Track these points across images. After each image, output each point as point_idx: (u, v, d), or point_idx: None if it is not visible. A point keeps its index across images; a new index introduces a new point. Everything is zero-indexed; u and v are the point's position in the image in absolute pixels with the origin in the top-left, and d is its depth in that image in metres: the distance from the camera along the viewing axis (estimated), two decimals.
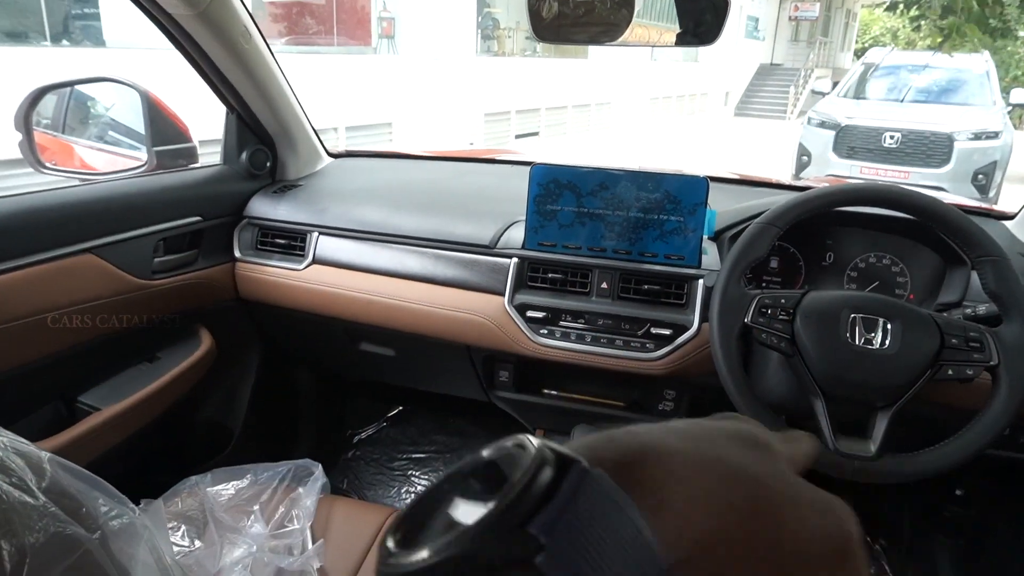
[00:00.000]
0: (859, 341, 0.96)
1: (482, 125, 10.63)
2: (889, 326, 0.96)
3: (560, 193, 1.24)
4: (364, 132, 8.68)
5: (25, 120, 1.35)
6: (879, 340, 0.96)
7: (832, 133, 6.56)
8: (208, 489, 1.12)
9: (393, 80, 9.04)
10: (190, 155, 1.48)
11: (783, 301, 1.00)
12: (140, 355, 1.32)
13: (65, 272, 1.12)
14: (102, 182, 1.29)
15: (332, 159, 1.74)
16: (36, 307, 1.08)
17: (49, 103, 1.72)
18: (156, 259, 1.31)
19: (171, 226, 1.33)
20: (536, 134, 11.91)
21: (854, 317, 0.97)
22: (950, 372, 0.93)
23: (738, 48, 17.62)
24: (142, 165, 1.39)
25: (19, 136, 1.34)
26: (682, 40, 1.16)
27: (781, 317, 0.99)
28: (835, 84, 7.71)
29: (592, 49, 13.04)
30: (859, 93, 7.29)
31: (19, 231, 1.07)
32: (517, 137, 11.43)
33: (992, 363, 0.92)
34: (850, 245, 1.24)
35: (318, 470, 1.20)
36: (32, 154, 1.34)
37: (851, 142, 6.46)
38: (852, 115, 6.61)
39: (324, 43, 9.15)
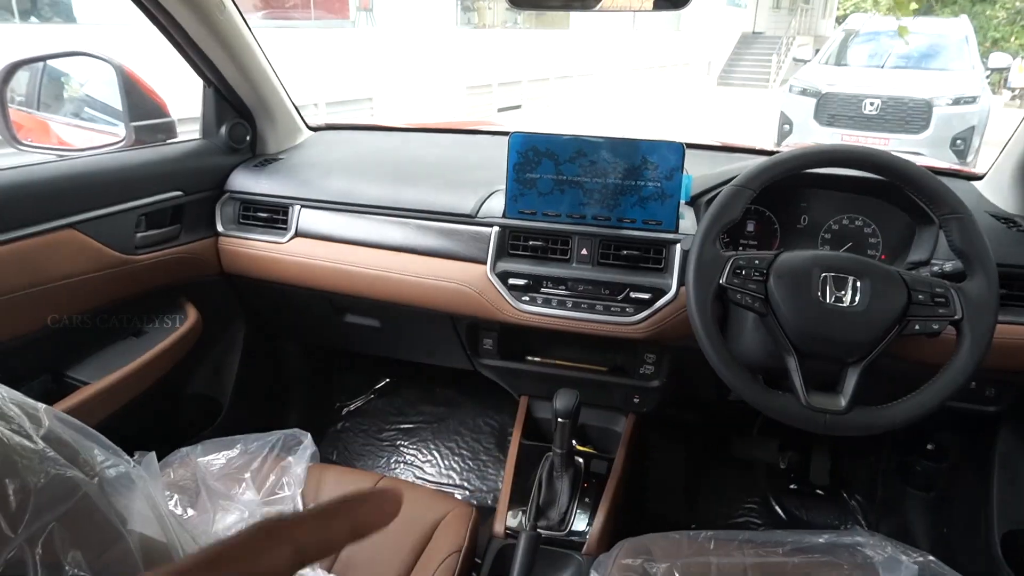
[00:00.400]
0: (830, 299, 0.99)
1: (464, 98, 10.55)
2: (858, 284, 0.99)
3: (539, 161, 1.26)
4: (345, 107, 8.59)
5: None
6: (849, 298, 0.99)
7: (813, 101, 6.56)
8: (199, 459, 1.14)
9: (373, 53, 8.93)
10: (168, 130, 1.48)
11: (757, 262, 1.02)
12: (127, 329, 1.33)
13: (48, 247, 1.13)
14: (81, 157, 1.29)
15: (312, 132, 1.73)
16: (21, 282, 1.09)
17: (22, 79, 1.70)
18: (138, 234, 1.31)
19: (152, 201, 1.33)
20: (519, 107, 11.83)
21: (825, 276, 1.00)
22: (917, 327, 0.96)
23: (719, 16, 17.49)
24: (121, 140, 1.39)
25: None
26: (657, 5, 1.17)
27: (755, 277, 1.01)
28: (817, 51, 7.70)
29: (573, 19, 12.93)
30: (840, 60, 7.28)
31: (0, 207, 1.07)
32: (500, 110, 11.35)
33: (956, 317, 0.96)
34: (824, 207, 1.27)
35: (307, 439, 1.22)
36: (8, 130, 1.34)
37: (832, 109, 6.47)
38: (833, 82, 6.61)
39: (301, 17, 9.00)
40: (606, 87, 13.97)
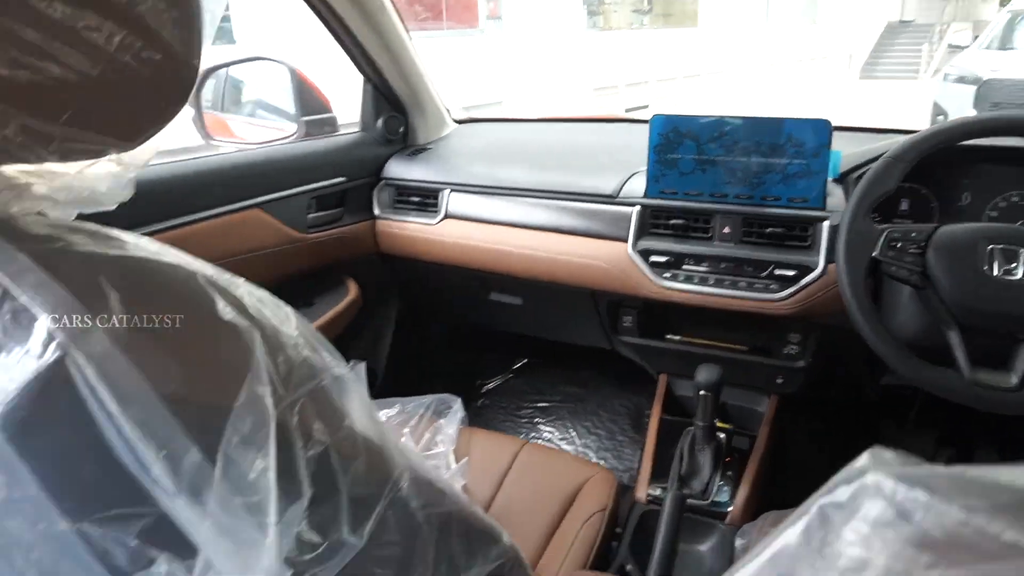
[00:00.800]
0: (998, 272, 0.94)
1: (592, 99, 10.59)
2: None
3: (680, 142, 1.27)
4: (476, 111, 8.85)
5: (196, 98, 1.53)
6: (1022, 271, 0.93)
7: (972, 88, 6.05)
8: None
9: (502, 59, 9.16)
10: (332, 124, 1.63)
11: (913, 234, 0.99)
12: (299, 301, 1.47)
13: (239, 224, 1.28)
14: (263, 147, 1.45)
15: (457, 124, 1.84)
16: (216, 254, 1.24)
17: (208, 85, 1.92)
18: (310, 215, 1.46)
19: (321, 186, 1.47)
20: (646, 107, 11.72)
21: (992, 248, 0.95)
22: None
23: (862, 5, 16.47)
24: (294, 133, 1.55)
25: (191, 113, 1.53)
26: None
27: (912, 250, 0.98)
28: (976, 37, 7.10)
29: (702, 16, 12.64)
30: (1005, 44, 6.67)
31: (202, 188, 1.24)
32: (627, 111, 11.29)
33: None
34: (989, 183, 1.20)
35: (457, 403, 1.30)
36: (203, 128, 1.53)
37: (996, 97, 5.93)
38: (996, 68, 6.07)
39: (434, 27, 9.39)
40: (737, 84, 13.52)
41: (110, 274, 0.37)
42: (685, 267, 1.27)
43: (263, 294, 0.45)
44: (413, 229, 1.55)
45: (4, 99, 0.34)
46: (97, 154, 0.39)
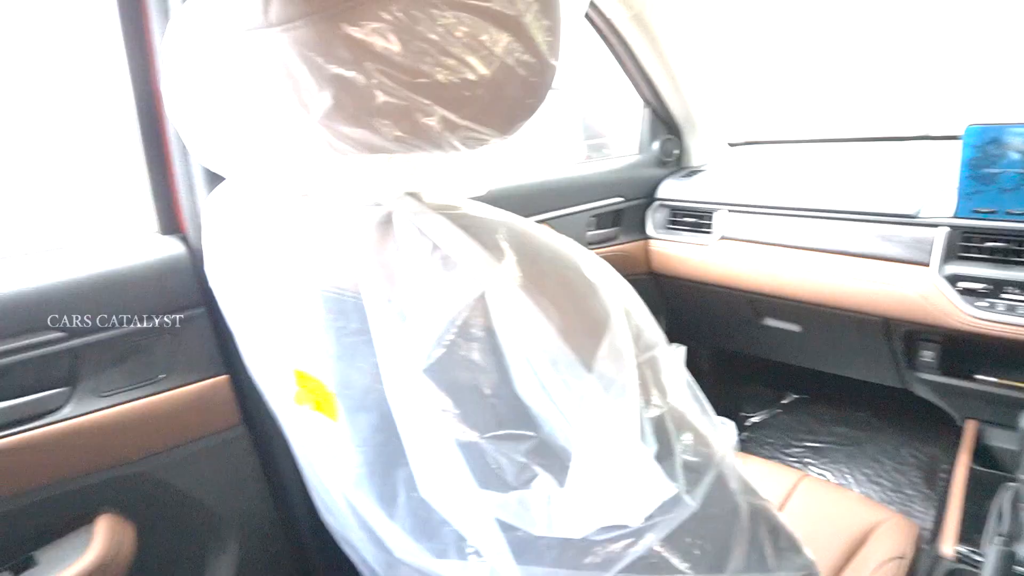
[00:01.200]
0: None
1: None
2: None
3: (1001, 154, 1.14)
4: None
5: None
6: None
7: None
8: None
9: None
10: (608, 147, 1.72)
11: None
12: None
13: None
14: (552, 168, 1.57)
15: (730, 147, 1.82)
16: None
17: None
18: (588, 232, 1.54)
19: (600, 205, 1.55)
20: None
21: None
22: None
23: None
24: (578, 157, 1.66)
25: None
26: None
27: None
28: None
29: None
30: None
31: (504, 204, 1.37)
32: None
33: None
34: None
35: (731, 427, 1.28)
36: None
37: None
38: None
39: None
40: None
41: (505, 234, 0.44)
42: (1005, 296, 1.12)
43: (608, 265, 0.50)
44: (686, 249, 1.56)
45: (430, 96, 0.42)
46: (482, 143, 0.47)
